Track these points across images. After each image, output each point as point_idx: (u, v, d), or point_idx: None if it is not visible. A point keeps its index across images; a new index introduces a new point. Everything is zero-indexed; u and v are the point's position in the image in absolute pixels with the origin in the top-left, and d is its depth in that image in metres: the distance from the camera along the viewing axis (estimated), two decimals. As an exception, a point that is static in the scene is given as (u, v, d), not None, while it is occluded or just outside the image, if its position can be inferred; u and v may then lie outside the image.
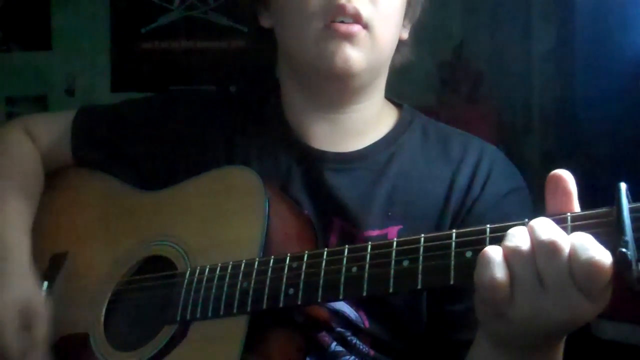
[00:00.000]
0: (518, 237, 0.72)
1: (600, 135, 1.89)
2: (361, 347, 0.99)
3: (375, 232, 1.01)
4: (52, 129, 1.23)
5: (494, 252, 0.72)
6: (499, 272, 0.71)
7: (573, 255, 0.69)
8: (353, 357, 0.99)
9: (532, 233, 0.72)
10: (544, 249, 0.70)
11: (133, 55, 3.11)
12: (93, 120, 1.22)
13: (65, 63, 3.10)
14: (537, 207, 0.77)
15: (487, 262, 0.72)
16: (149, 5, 3.09)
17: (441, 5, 2.73)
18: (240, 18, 2.86)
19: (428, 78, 2.86)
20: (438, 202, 1.03)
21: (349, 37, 0.98)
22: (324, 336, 0.98)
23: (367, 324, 0.99)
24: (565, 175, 0.74)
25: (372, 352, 1.00)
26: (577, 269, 0.69)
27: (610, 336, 1.67)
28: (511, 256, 0.71)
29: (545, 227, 0.71)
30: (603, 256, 0.68)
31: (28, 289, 1.03)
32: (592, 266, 0.68)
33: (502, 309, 0.72)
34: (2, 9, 3.09)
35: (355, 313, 0.99)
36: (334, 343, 0.99)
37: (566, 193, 0.74)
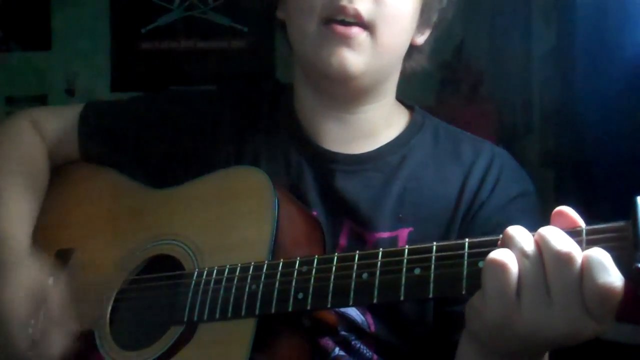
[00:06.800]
0: (526, 243, 0.71)
1: (600, 135, 1.89)
2: (365, 351, 0.98)
3: (385, 234, 1.00)
4: (58, 122, 1.20)
5: (506, 258, 0.70)
6: (511, 278, 0.70)
7: (587, 273, 0.68)
8: (355, 362, 0.98)
9: (545, 242, 0.70)
10: (557, 259, 0.69)
11: (133, 55, 3.11)
12: (101, 115, 1.20)
13: (65, 63, 3.10)
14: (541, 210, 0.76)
15: (500, 267, 0.70)
16: (149, 5, 3.09)
17: (441, 5, 2.73)
18: (240, 18, 2.86)
19: (428, 78, 2.86)
20: (449, 205, 1.01)
21: (346, 39, 0.96)
22: (327, 341, 0.97)
23: (373, 328, 0.98)
24: (568, 211, 0.73)
25: (375, 357, 0.98)
26: (589, 289, 0.67)
27: (611, 336, 1.66)
28: (522, 263, 0.70)
29: (559, 237, 0.70)
30: (617, 280, 0.67)
31: (31, 275, 1.01)
32: (607, 291, 0.67)
33: (507, 318, 0.71)
34: (2, 9, 3.08)
35: (362, 317, 0.98)
36: (337, 348, 0.97)
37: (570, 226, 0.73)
